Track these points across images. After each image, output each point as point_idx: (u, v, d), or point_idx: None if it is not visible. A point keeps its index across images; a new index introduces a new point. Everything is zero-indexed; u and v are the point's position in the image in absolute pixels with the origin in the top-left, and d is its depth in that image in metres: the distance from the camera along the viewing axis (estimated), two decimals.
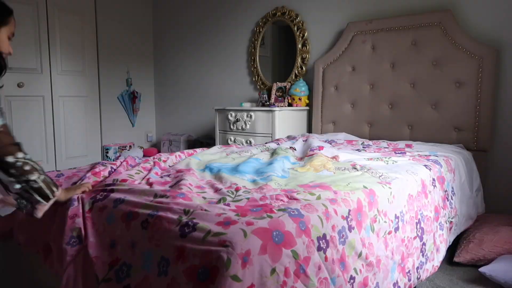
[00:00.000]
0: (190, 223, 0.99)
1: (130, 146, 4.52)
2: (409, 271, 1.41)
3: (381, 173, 1.60)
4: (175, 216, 1.04)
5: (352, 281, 1.10)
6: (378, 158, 1.89)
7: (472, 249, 1.98)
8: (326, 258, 1.03)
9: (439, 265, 1.66)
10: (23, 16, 3.62)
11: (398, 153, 2.10)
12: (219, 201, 1.17)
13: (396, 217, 1.40)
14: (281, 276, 0.90)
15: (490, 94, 2.39)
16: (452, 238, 1.87)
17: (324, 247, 1.04)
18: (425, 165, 1.79)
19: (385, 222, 1.32)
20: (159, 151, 4.56)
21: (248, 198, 1.19)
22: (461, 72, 2.49)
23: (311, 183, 1.42)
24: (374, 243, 1.23)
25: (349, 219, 1.17)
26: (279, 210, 1.06)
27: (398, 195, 1.44)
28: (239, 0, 3.85)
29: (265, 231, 0.94)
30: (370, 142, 2.52)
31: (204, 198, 1.22)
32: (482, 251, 1.96)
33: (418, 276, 1.49)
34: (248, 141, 3.09)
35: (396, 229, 1.38)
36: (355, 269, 1.12)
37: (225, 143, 3.36)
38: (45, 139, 3.87)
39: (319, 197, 1.21)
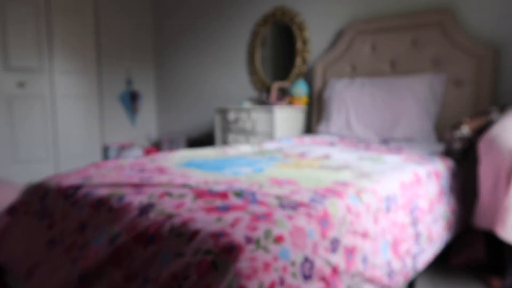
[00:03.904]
0: (148, 206, 1.13)
1: (131, 146, 4.53)
2: (403, 256, 1.41)
3: (364, 169, 1.61)
4: (137, 201, 1.18)
5: (336, 242, 1.10)
6: (369, 158, 1.89)
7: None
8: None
9: (430, 259, 1.66)
10: (23, 16, 3.62)
11: (394, 152, 2.10)
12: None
13: (388, 198, 1.40)
14: None
15: (489, 94, 2.40)
16: (449, 237, 1.87)
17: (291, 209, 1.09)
18: (416, 163, 1.79)
19: (373, 196, 1.32)
20: (159, 150, 4.57)
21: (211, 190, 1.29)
22: (461, 72, 2.49)
23: (281, 178, 1.44)
24: (362, 214, 1.23)
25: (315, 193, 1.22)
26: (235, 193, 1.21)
27: (384, 181, 1.45)
28: None
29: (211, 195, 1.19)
30: (370, 142, 2.52)
31: (170, 194, 1.25)
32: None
33: (414, 265, 1.49)
34: (248, 140, 3.10)
35: (388, 209, 1.38)
36: (339, 232, 1.12)
37: (225, 142, 3.37)
38: (45, 138, 3.88)
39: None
